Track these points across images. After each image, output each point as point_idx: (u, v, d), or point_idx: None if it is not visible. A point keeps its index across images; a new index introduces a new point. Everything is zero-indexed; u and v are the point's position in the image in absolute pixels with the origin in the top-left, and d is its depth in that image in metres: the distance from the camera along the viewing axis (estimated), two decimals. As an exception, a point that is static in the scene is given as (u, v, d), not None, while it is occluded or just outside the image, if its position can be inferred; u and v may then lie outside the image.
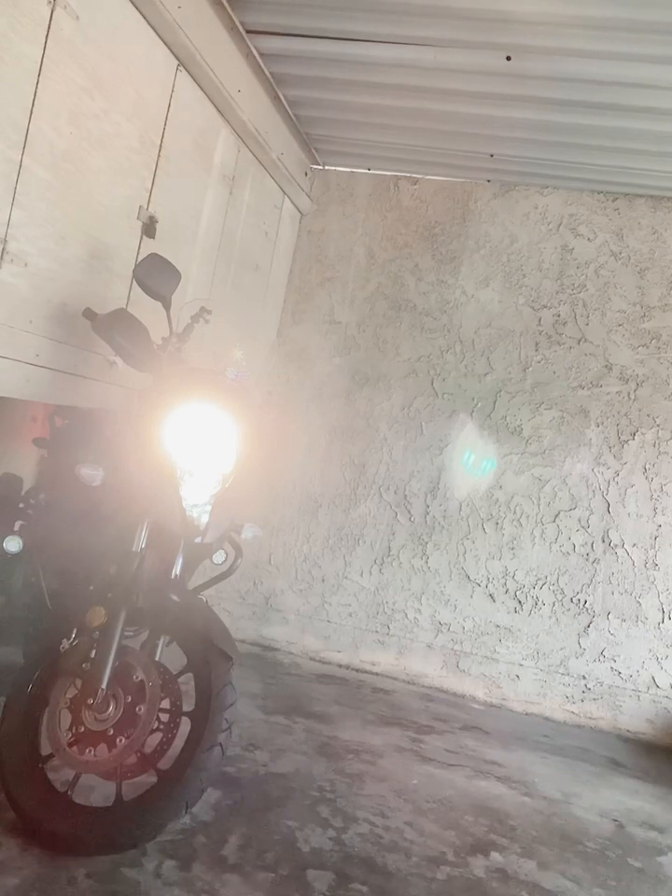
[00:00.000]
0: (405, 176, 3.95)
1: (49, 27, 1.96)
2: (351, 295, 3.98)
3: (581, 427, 3.66)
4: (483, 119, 3.16)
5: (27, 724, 1.93)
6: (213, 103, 2.87)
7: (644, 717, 3.51)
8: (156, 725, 1.88)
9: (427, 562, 3.79)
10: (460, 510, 3.77)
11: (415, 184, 3.94)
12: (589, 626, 3.59)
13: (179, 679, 1.95)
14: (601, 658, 3.57)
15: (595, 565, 3.60)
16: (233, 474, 2.01)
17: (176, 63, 2.58)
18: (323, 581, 3.90)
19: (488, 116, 3.13)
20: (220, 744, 1.84)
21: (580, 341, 3.68)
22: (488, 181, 3.83)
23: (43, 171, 2.04)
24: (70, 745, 1.86)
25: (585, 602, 3.60)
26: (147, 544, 1.98)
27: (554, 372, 3.70)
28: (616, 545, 3.59)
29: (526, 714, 3.61)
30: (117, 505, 2.03)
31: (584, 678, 3.58)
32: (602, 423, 3.63)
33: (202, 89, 2.77)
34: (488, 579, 3.72)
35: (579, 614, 3.60)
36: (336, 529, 3.90)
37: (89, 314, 2.14)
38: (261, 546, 3.93)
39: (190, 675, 1.94)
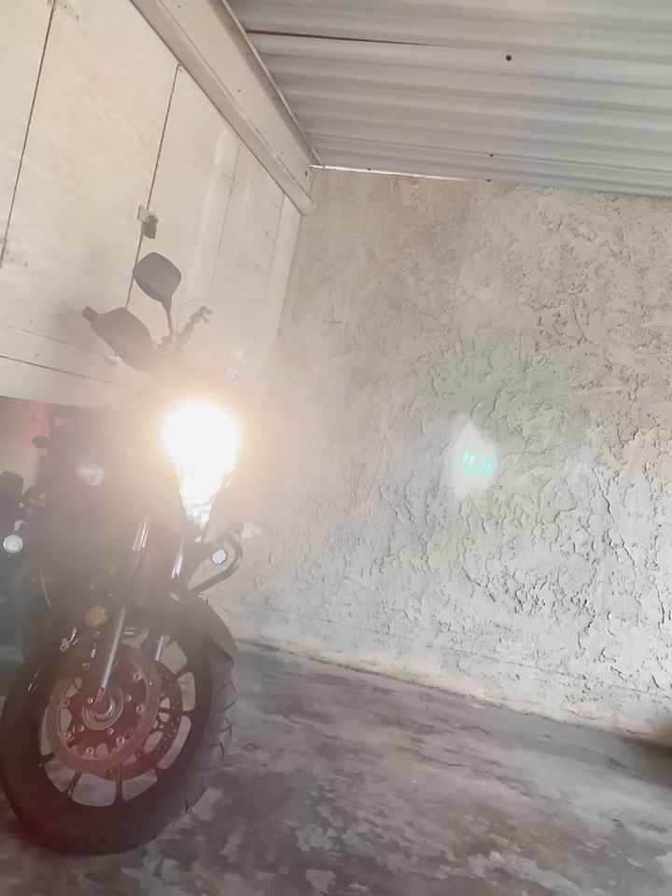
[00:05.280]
0: (405, 176, 3.95)
1: (49, 27, 1.96)
2: (351, 294, 3.98)
3: (582, 426, 3.66)
4: (483, 118, 3.16)
5: (27, 724, 1.93)
6: (213, 102, 2.87)
7: (644, 716, 3.51)
8: (156, 725, 1.88)
9: (426, 561, 3.79)
10: (460, 509, 3.77)
11: (415, 183, 3.94)
12: (589, 626, 3.59)
13: (179, 679, 1.95)
14: (601, 658, 3.57)
15: (595, 564, 3.60)
16: (233, 474, 2.01)
17: (176, 62, 2.58)
18: (323, 580, 3.90)
19: (488, 115, 3.13)
20: (220, 743, 1.84)
21: (580, 340, 3.68)
22: (488, 181, 3.83)
23: (43, 170, 2.04)
24: (70, 744, 1.86)
25: (585, 602, 3.60)
26: (146, 544, 1.98)
27: (554, 372, 3.70)
28: (616, 545, 3.59)
29: (526, 714, 3.61)
30: (117, 505, 2.03)
31: (584, 677, 3.58)
32: (602, 423, 3.63)
33: (202, 88, 2.76)
34: (488, 578, 3.72)
35: (579, 614, 3.60)
36: (336, 529, 3.90)
37: (89, 313, 2.14)
38: (261, 546, 3.93)
39: (190, 674, 1.94)
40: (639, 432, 3.59)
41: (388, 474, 3.86)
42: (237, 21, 2.77)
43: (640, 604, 3.54)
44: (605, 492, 3.61)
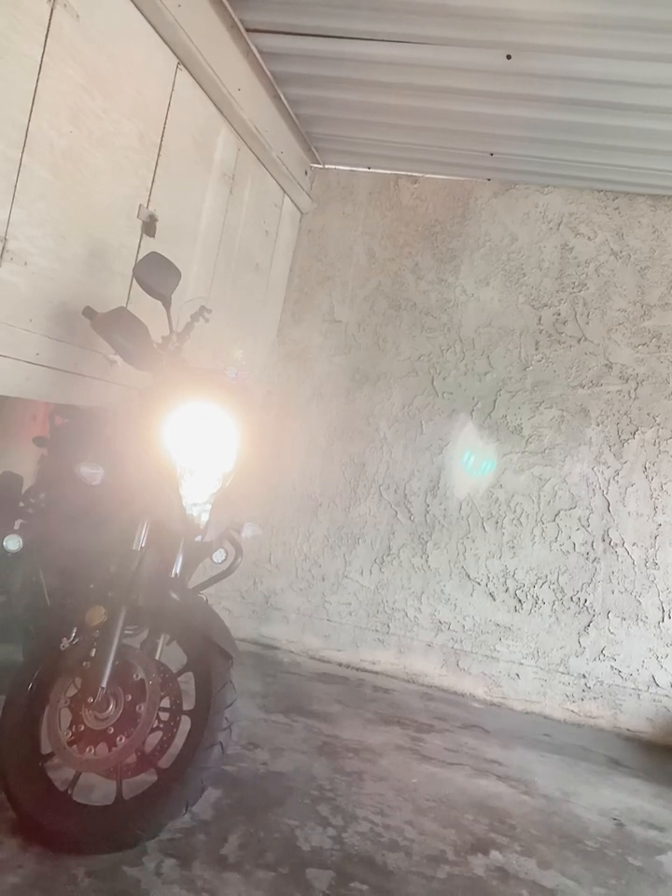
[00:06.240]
0: (405, 175, 3.94)
1: (48, 26, 1.96)
2: (351, 294, 3.98)
3: (582, 425, 3.65)
4: (483, 117, 3.16)
5: (27, 723, 1.93)
6: (213, 101, 2.87)
7: (644, 715, 3.51)
8: (156, 724, 1.88)
9: (427, 561, 3.79)
10: (460, 509, 3.77)
11: (415, 183, 3.93)
12: (589, 625, 3.59)
13: (179, 678, 1.95)
14: (601, 657, 3.57)
15: (595, 563, 3.60)
16: (233, 473, 2.01)
17: (176, 61, 2.58)
18: (323, 579, 3.90)
19: (488, 114, 3.13)
20: (220, 743, 1.84)
21: (580, 339, 3.68)
22: (488, 180, 3.83)
23: (43, 170, 2.03)
24: (70, 743, 1.86)
25: (585, 601, 3.60)
26: (147, 543, 1.98)
27: (555, 371, 3.70)
28: (616, 544, 3.59)
29: (526, 713, 3.61)
30: (117, 504, 2.03)
31: (584, 676, 3.58)
32: (602, 422, 3.63)
33: (202, 87, 2.76)
34: (488, 577, 3.72)
35: (579, 613, 3.60)
36: (336, 528, 3.90)
37: (88, 312, 2.14)
38: (261, 545, 3.93)
39: (190, 674, 1.94)
40: (639, 431, 3.59)
41: (388, 473, 3.86)
42: (237, 20, 2.77)
43: (640, 603, 3.54)
44: (605, 491, 3.61)
